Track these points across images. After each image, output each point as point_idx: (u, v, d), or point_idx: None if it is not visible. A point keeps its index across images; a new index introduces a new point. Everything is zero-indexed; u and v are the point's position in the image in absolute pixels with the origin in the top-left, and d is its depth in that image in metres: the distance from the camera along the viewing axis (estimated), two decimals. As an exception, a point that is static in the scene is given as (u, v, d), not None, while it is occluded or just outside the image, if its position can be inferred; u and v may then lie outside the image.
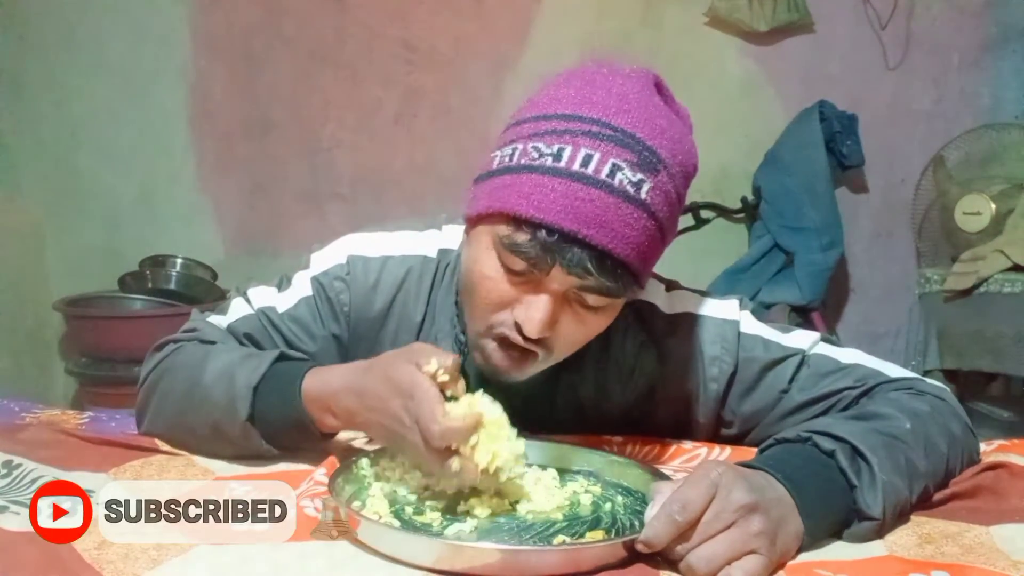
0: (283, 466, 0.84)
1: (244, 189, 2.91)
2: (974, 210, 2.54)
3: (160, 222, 2.86)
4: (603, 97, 0.78)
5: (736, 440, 0.96)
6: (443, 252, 0.97)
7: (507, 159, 0.79)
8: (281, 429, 0.83)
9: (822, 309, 2.76)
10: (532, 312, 0.78)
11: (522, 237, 0.76)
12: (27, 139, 2.75)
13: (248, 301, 0.98)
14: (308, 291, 0.96)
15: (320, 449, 0.84)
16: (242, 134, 2.88)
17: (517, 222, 0.76)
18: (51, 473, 0.76)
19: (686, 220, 2.81)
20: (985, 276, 2.40)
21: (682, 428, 0.97)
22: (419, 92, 2.87)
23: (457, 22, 2.84)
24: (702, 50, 2.86)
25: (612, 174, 0.75)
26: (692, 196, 2.84)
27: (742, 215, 2.91)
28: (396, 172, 2.90)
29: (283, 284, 0.98)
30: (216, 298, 2.66)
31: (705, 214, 2.85)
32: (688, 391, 0.94)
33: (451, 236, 0.98)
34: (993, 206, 2.51)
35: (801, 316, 2.69)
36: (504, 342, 0.81)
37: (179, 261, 2.79)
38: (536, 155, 0.77)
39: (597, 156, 0.75)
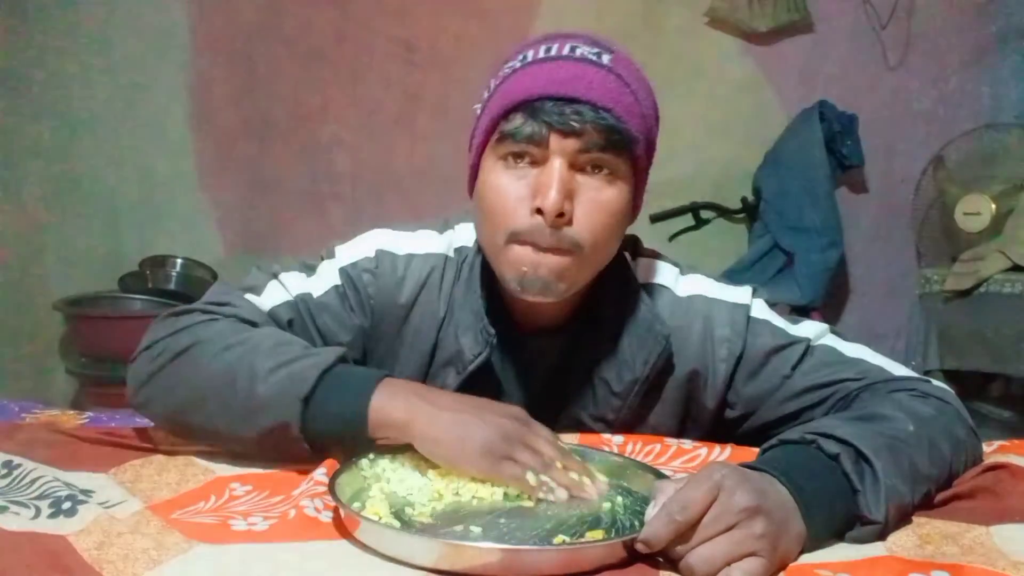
0: (283, 466, 0.83)
1: (244, 189, 2.91)
2: (974, 210, 2.54)
3: (160, 222, 2.86)
4: (543, 35, 0.91)
5: (735, 424, 0.97)
6: (459, 250, 1.00)
7: (483, 96, 0.92)
8: (334, 412, 0.79)
9: (822, 309, 2.76)
10: (546, 187, 0.83)
11: (514, 122, 0.85)
12: (27, 139, 2.75)
13: (283, 285, 0.97)
14: (336, 280, 0.97)
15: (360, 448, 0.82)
16: (242, 134, 2.88)
17: (507, 117, 0.86)
18: (51, 473, 0.76)
19: (686, 220, 2.81)
20: (985, 276, 2.40)
21: (688, 414, 0.98)
22: (419, 92, 2.88)
23: (457, 22, 2.84)
24: (702, 50, 2.86)
25: (573, 50, 0.86)
26: (692, 196, 2.87)
27: (742, 215, 2.91)
28: (396, 172, 2.90)
29: (308, 271, 0.99)
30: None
31: (705, 214, 2.85)
32: (698, 372, 0.96)
33: (464, 234, 1.01)
34: (993, 206, 2.51)
35: (801, 316, 2.68)
36: (530, 244, 0.85)
37: (179, 261, 2.79)
38: (508, 71, 0.89)
39: (556, 45, 0.87)
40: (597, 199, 0.86)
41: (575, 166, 0.85)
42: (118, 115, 2.81)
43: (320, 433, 0.80)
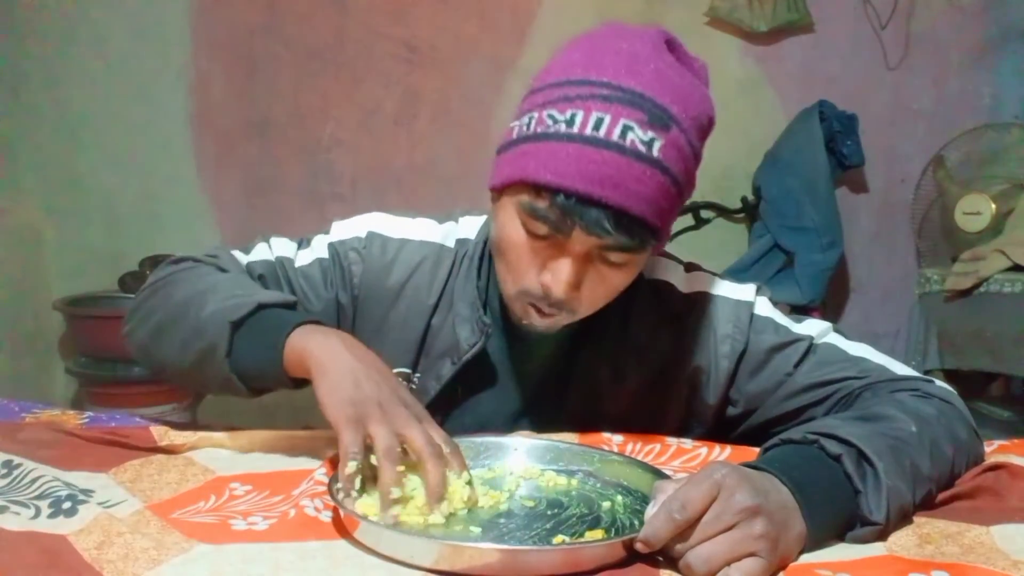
0: (283, 465, 0.84)
1: (244, 189, 2.91)
2: (974, 210, 2.54)
3: (160, 222, 2.86)
4: (612, 59, 0.81)
5: (737, 422, 0.98)
6: (461, 242, 1.01)
7: (524, 128, 0.83)
8: (257, 341, 0.81)
9: (822, 309, 2.76)
10: (558, 276, 0.82)
11: (542, 203, 0.80)
12: (27, 139, 2.75)
13: (270, 247, 1.01)
14: (324, 254, 1.00)
15: (281, 387, 0.83)
16: (242, 134, 2.88)
17: (536, 189, 0.80)
18: (51, 473, 0.76)
19: (686, 220, 2.81)
20: (985, 276, 2.40)
21: (691, 410, 0.99)
22: (419, 92, 2.87)
23: (457, 22, 2.84)
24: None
25: (623, 135, 0.78)
26: (692, 196, 2.86)
27: (742, 215, 2.92)
28: (396, 172, 2.90)
29: (303, 244, 1.02)
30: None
31: (705, 214, 2.86)
32: (701, 369, 0.97)
33: (468, 227, 1.02)
34: (993, 206, 2.51)
35: (802, 315, 2.68)
36: (534, 306, 0.86)
37: (179, 261, 2.79)
38: (551, 122, 0.80)
39: (608, 119, 0.78)
40: (603, 284, 0.86)
41: (591, 256, 0.84)
42: (118, 115, 2.81)
43: (245, 364, 0.82)
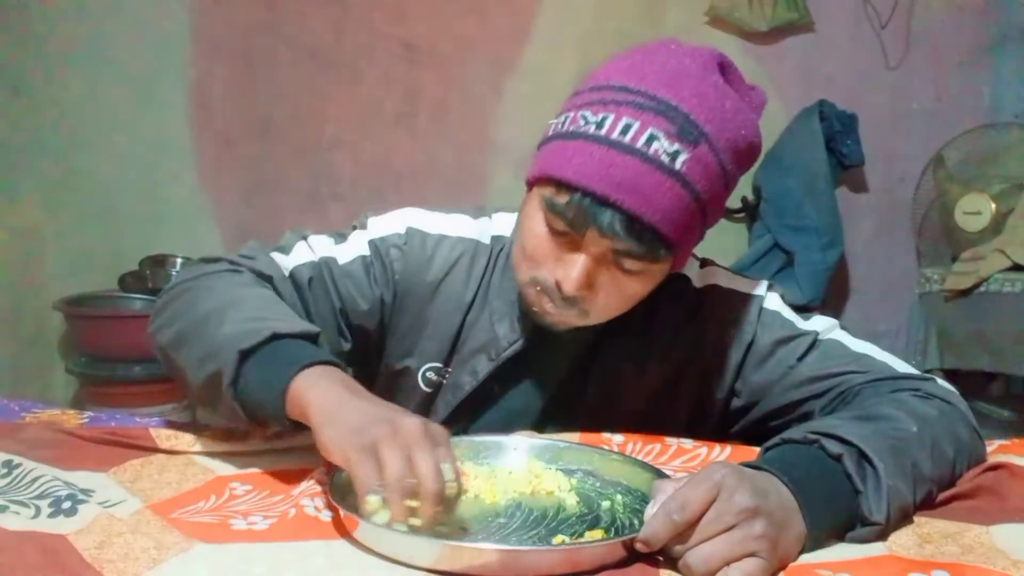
0: (283, 465, 0.84)
1: (244, 189, 2.91)
2: (974, 210, 2.55)
3: (160, 222, 2.86)
4: (657, 72, 0.82)
5: (739, 415, 0.99)
6: (496, 239, 1.02)
7: (559, 126, 0.85)
8: (263, 374, 0.76)
9: (822, 308, 2.76)
10: (569, 271, 0.84)
11: (562, 199, 0.82)
12: (27, 139, 2.74)
13: (311, 247, 0.99)
14: (365, 251, 0.99)
15: (279, 425, 0.76)
16: (242, 134, 2.88)
17: (559, 185, 0.82)
18: (51, 473, 0.76)
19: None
20: (985, 276, 2.40)
21: (702, 403, 1.00)
22: (419, 92, 2.87)
23: (457, 22, 2.84)
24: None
25: (648, 143, 0.79)
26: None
27: (742, 215, 2.92)
28: (396, 172, 2.90)
29: (339, 239, 1.00)
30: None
31: (705, 214, 2.85)
32: (712, 362, 0.98)
33: (503, 224, 1.03)
34: (993, 206, 2.51)
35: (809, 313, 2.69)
36: (546, 296, 0.87)
37: (179, 261, 2.79)
38: (583, 123, 0.82)
39: (636, 125, 0.79)
40: (617, 290, 0.86)
41: (606, 259, 0.84)
42: (118, 115, 2.81)
43: (248, 395, 0.76)
